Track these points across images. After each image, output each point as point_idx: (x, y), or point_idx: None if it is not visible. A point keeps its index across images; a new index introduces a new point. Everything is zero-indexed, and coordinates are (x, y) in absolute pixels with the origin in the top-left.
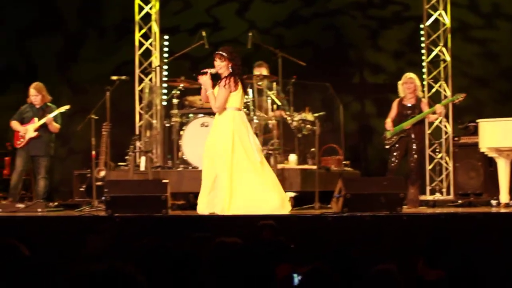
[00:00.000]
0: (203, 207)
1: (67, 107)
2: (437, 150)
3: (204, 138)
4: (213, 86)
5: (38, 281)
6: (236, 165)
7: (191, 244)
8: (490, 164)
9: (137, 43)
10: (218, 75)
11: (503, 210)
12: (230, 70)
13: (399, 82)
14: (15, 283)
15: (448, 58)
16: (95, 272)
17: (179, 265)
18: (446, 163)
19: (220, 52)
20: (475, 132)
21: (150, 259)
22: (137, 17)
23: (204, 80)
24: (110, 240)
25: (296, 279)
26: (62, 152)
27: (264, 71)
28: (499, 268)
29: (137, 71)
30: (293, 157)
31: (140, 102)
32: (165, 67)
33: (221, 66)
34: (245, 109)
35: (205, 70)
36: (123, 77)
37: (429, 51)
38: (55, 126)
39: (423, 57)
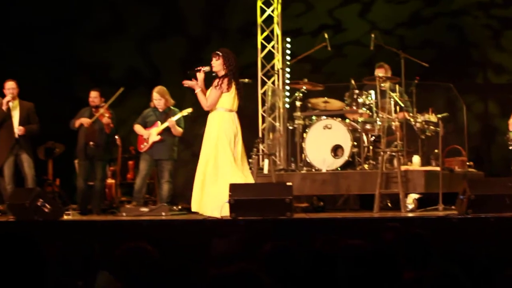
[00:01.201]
0: (196, 206)
1: (189, 110)
2: None
3: (328, 141)
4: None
5: (166, 283)
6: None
7: (317, 246)
8: None
9: (259, 46)
10: (213, 76)
11: None
12: (225, 70)
13: None
14: (145, 285)
15: None
16: (224, 275)
17: (304, 268)
18: None
19: (216, 52)
20: None
21: (275, 262)
22: (259, 20)
23: (198, 77)
24: (235, 244)
25: (423, 282)
26: (185, 156)
27: (384, 72)
28: None
29: (259, 73)
30: (416, 159)
31: (263, 105)
32: (288, 69)
33: (215, 64)
34: (367, 111)
35: (198, 68)
36: (246, 80)
37: None
38: (178, 130)
39: None
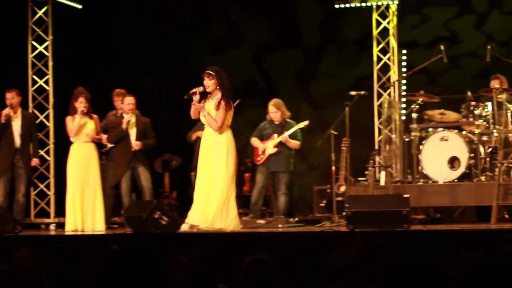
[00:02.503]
0: (197, 219)
1: (306, 122)
2: None
3: (444, 152)
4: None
5: None
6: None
7: (434, 258)
8: None
9: (375, 58)
10: (205, 94)
11: None
12: (220, 89)
13: None
14: None
15: None
16: None
17: (423, 281)
18: None
19: (209, 72)
20: None
21: (394, 274)
22: (375, 32)
23: (194, 99)
24: (353, 256)
25: None
26: (302, 168)
27: (499, 84)
28: None
29: (375, 86)
30: None
31: (379, 117)
32: (404, 81)
33: (209, 84)
34: (484, 123)
35: (193, 90)
36: (362, 92)
37: None
38: (293, 143)
39: None
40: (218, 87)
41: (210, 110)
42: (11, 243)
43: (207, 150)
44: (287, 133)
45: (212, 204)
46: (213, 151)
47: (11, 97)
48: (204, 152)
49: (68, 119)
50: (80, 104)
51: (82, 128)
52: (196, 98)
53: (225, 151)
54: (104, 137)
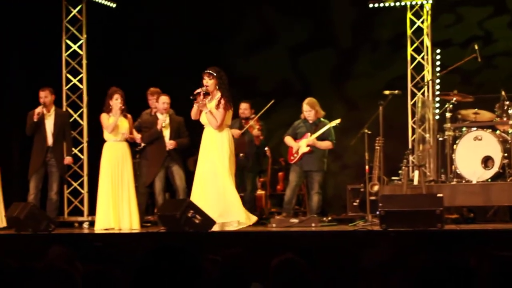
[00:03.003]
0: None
1: (337, 121)
2: None
3: (478, 152)
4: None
5: None
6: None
7: (468, 258)
8: None
9: (409, 58)
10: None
11: None
12: (219, 89)
13: None
14: None
15: None
16: None
17: (455, 280)
18: None
19: (209, 71)
20: None
21: (427, 274)
22: (409, 32)
23: (200, 101)
24: (386, 255)
25: None
26: (335, 167)
27: None
28: None
29: (409, 85)
30: None
31: (413, 116)
32: (437, 81)
33: (209, 84)
34: None
35: (198, 91)
36: (396, 92)
37: None
38: (323, 144)
39: None
40: (217, 87)
41: (211, 109)
42: (44, 242)
43: (206, 148)
44: (313, 136)
45: (235, 201)
46: (213, 149)
47: (45, 95)
48: (203, 150)
49: (103, 116)
50: (116, 101)
51: (117, 126)
52: (200, 98)
53: (225, 149)
54: (137, 136)
